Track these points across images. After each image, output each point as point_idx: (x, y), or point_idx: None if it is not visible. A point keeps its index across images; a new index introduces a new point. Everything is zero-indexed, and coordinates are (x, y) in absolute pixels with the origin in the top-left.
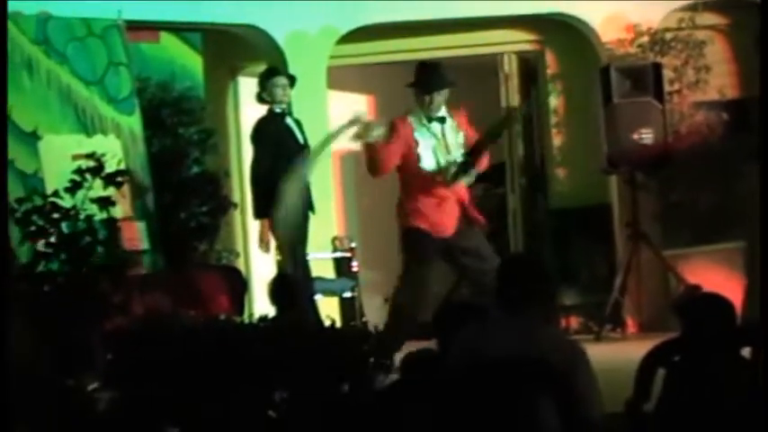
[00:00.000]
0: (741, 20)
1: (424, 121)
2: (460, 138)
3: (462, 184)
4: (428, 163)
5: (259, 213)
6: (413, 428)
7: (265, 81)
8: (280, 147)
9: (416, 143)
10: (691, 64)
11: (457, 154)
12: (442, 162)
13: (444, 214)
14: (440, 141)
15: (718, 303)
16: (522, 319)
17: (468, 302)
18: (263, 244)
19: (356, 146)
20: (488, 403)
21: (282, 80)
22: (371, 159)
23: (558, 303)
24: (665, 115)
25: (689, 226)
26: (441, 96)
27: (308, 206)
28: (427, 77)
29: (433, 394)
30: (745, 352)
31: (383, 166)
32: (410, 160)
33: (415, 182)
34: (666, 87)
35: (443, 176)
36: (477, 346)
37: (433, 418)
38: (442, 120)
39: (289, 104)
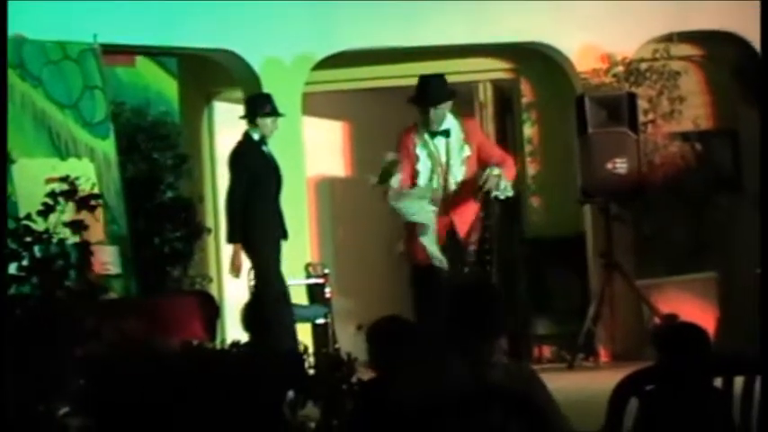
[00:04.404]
0: (715, 51)
1: (426, 137)
2: (465, 152)
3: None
4: (422, 182)
5: (232, 238)
6: None
7: (259, 111)
8: (255, 173)
9: (417, 158)
10: (665, 94)
11: (457, 173)
12: (436, 183)
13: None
14: (437, 160)
15: (696, 333)
16: (474, 358)
17: (402, 320)
18: (235, 269)
19: (331, 173)
20: None
21: (274, 119)
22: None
23: (530, 332)
24: (640, 145)
25: (662, 256)
26: (441, 110)
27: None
28: (425, 91)
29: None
30: (717, 382)
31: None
32: (409, 177)
33: None
34: (641, 117)
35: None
36: (430, 392)
37: None
38: (446, 133)
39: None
